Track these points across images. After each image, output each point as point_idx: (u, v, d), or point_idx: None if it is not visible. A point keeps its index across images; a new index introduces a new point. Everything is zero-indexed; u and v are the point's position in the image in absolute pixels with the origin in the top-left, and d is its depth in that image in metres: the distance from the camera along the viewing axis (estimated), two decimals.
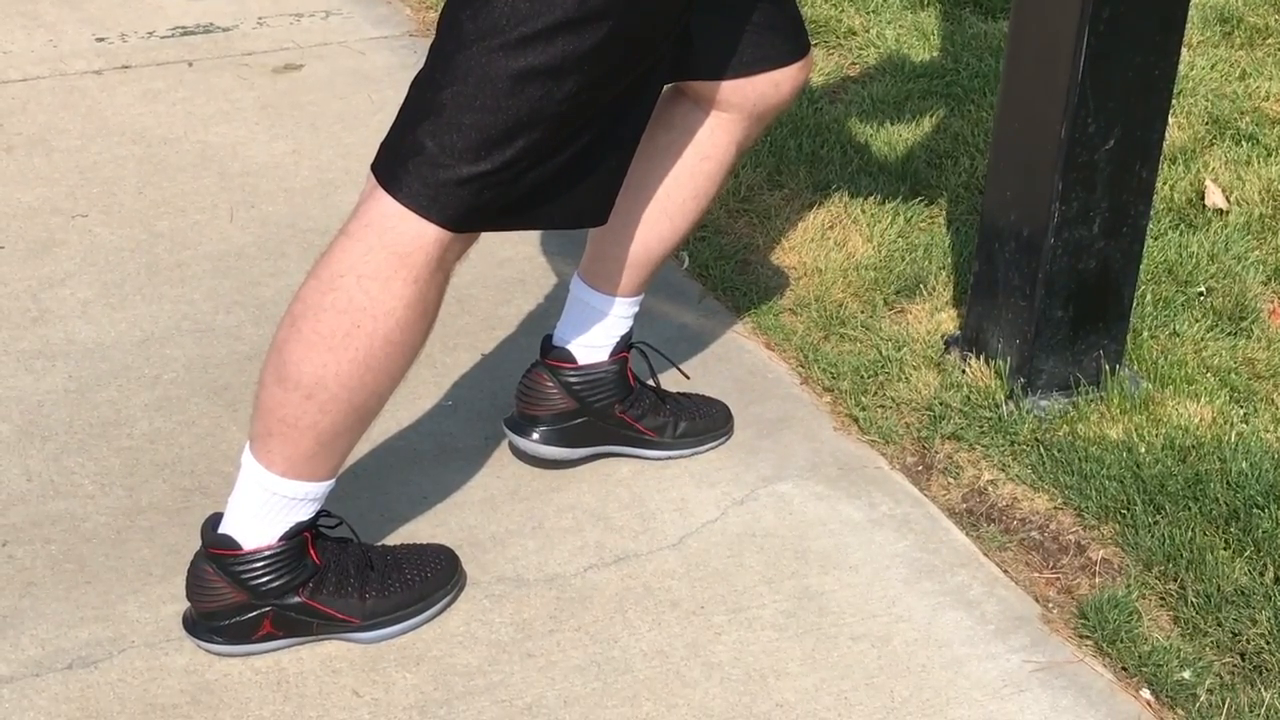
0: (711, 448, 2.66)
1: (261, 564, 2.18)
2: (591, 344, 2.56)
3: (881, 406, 2.77)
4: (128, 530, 2.44)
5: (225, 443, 2.64)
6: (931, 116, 3.72)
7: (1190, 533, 2.44)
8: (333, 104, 3.78)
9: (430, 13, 4.28)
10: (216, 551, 2.18)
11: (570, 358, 2.56)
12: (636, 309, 2.58)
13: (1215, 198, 3.35)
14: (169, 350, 2.86)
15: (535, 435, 2.56)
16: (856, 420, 2.75)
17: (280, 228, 3.26)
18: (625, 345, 2.59)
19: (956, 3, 4.30)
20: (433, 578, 2.31)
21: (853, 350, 2.91)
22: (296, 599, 2.21)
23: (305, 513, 2.18)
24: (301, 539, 2.19)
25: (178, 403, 2.73)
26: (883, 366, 2.85)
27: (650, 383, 2.66)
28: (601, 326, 2.55)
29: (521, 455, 2.61)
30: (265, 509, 2.16)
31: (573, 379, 2.55)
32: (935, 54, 4.03)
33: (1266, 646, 2.26)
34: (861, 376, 2.83)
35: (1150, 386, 2.74)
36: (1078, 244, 2.60)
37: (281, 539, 2.18)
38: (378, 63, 4.00)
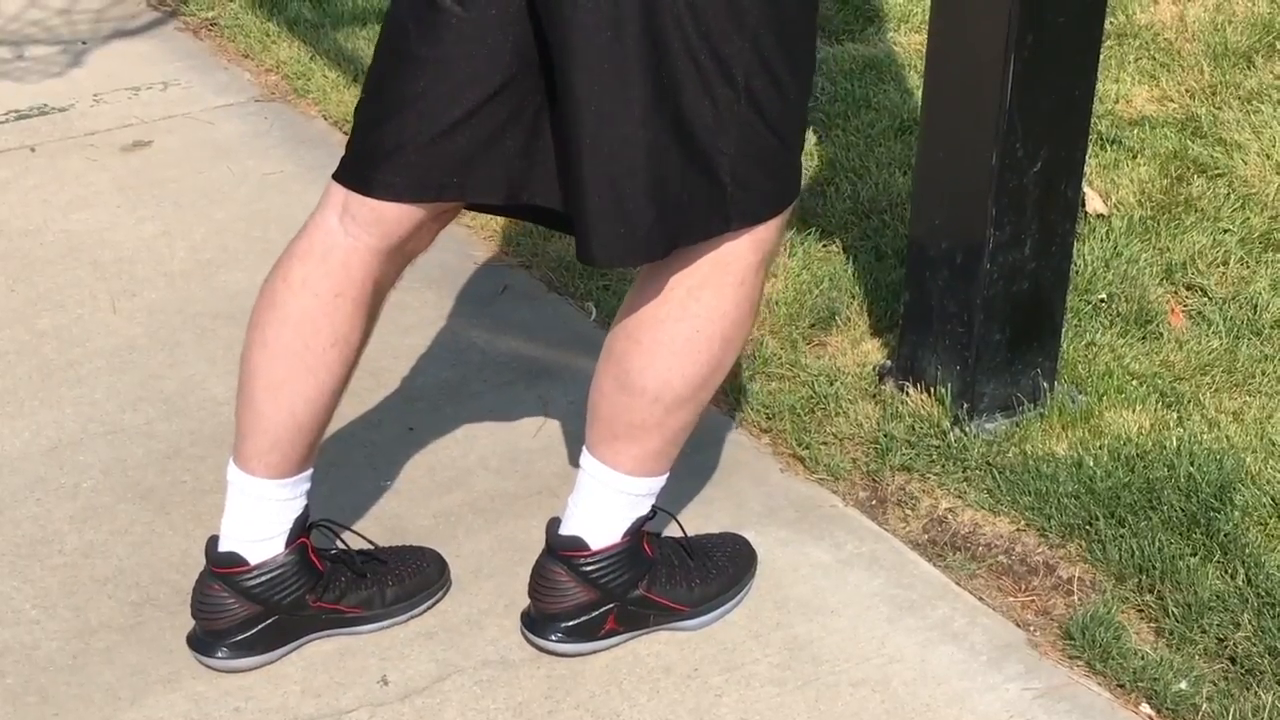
0: (432, 604, 2.39)
1: (611, 561, 2.28)
2: (260, 538, 2.26)
3: (824, 443, 2.76)
4: (84, 654, 2.31)
5: (164, 549, 2.52)
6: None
7: (1157, 543, 2.47)
8: (192, 179, 3.65)
9: (270, 75, 4.17)
10: (567, 553, 2.27)
11: (241, 561, 2.25)
12: (306, 485, 2.28)
13: (1095, 203, 3.43)
14: (82, 456, 2.73)
15: (221, 652, 2.27)
16: (802, 459, 2.74)
17: (168, 315, 3.14)
18: (301, 529, 2.28)
19: None
20: (740, 561, 2.44)
21: (783, 388, 2.89)
22: (638, 593, 2.31)
23: (646, 508, 2.30)
24: (641, 535, 2.31)
25: (104, 511, 2.60)
26: (818, 403, 2.84)
27: (345, 552, 2.38)
28: (267, 516, 2.26)
29: None
30: (613, 508, 2.27)
31: (249, 582, 2.25)
32: None
33: (1254, 649, 2.30)
34: (799, 414, 2.82)
35: (1087, 399, 2.78)
36: (1012, 267, 2.63)
37: (626, 535, 2.29)
38: (229, 132, 3.88)
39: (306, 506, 2.29)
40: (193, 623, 2.31)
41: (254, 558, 2.25)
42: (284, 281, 2.16)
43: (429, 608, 2.40)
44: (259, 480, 2.22)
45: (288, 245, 2.19)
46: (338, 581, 2.33)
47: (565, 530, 2.29)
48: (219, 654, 2.27)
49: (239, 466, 2.24)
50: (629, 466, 2.25)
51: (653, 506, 2.36)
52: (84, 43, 4.35)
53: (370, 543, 2.41)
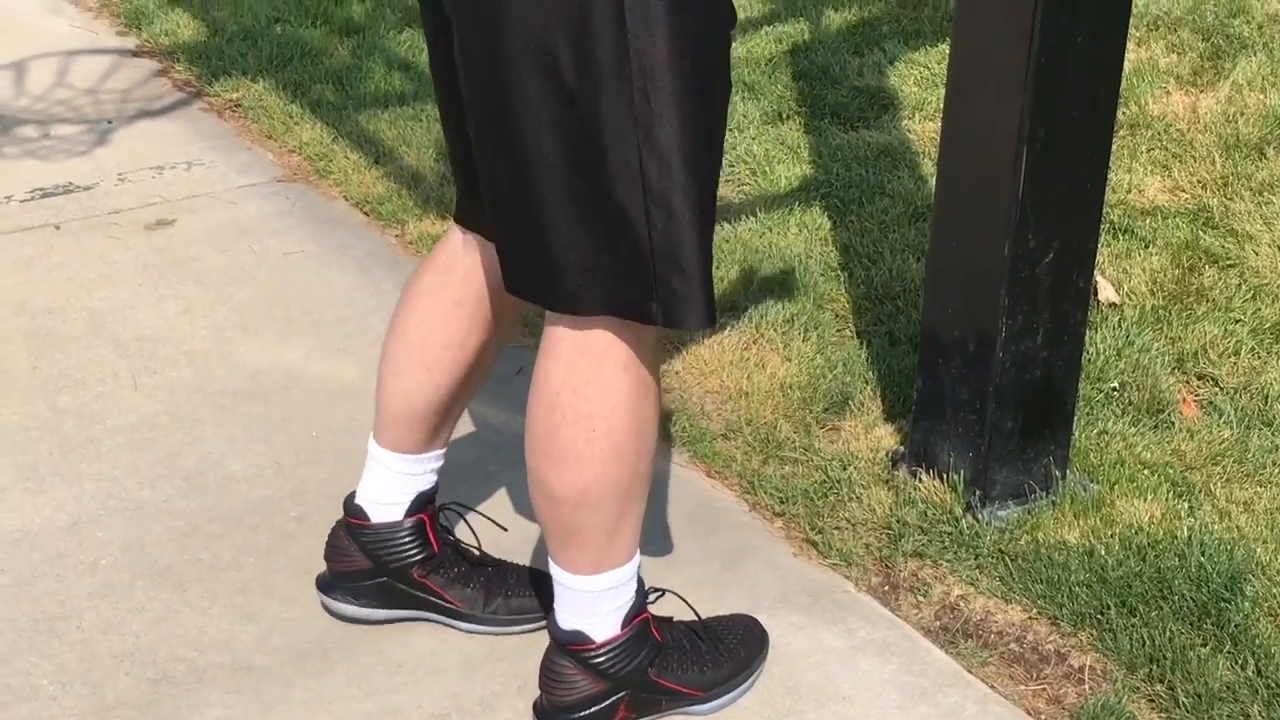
0: (533, 628, 2.51)
1: (617, 652, 2.29)
2: (381, 501, 2.50)
3: (838, 528, 2.78)
4: None
5: (180, 627, 2.54)
6: (817, 229, 3.77)
7: (1167, 632, 2.49)
8: (214, 258, 3.70)
9: (293, 156, 4.22)
10: (574, 648, 2.29)
11: (364, 515, 2.50)
12: (430, 466, 2.50)
13: (1107, 292, 3.45)
14: (101, 533, 2.75)
15: (335, 594, 2.54)
16: (815, 544, 2.76)
17: (189, 392, 3.17)
18: (423, 504, 2.50)
19: (814, 115, 4.39)
20: (751, 644, 2.44)
21: (796, 473, 2.91)
22: (649, 679, 2.32)
23: (630, 593, 2.29)
24: (644, 620, 2.32)
25: (122, 588, 2.62)
26: (831, 488, 2.86)
27: (463, 543, 2.58)
28: (388, 483, 2.49)
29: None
30: (597, 605, 2.27)
31: (365, 537, 2.50)
32: (805, 166, 4.10)
33: None
34: (812, 499, 2.84)
35: (1099, 488, 2.79)
36: (1024, 355, 2.65)
37: (625, 625, 2.29)
38: (251, 212, 3.93)
39: (435, 486, 2.51)
40: (210, 706, 2.36)
41: (374, 517, 2.49)
42: (415, 285, 2.40)
43: (526, 631, 2.49)
44: (381, 449, 2.47)
45: (432, 252, 2.42)
46: (449, 568, 2.51)
47: (565, 625, 2.30)
48: (334, 594, 2.53)
49: (372, 433, 2.48)
50: (588, 568, 2.24)
51: (661, 589, 2.38)
52: (109, 122, 4.42)
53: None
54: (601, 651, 2.28)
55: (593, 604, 2.27)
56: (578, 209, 2.02)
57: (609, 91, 1.93)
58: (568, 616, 2.29)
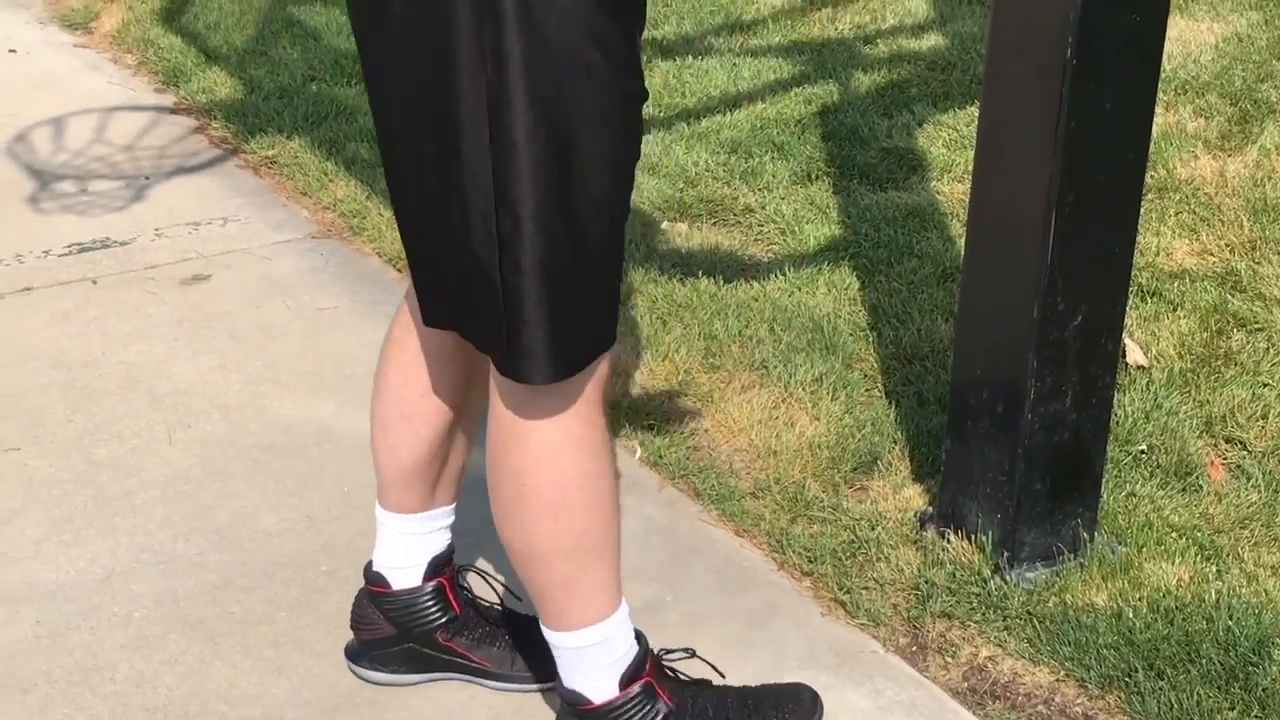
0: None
1: (617, 714, 2.28)
2: (397, 566, 2.50)
3: (866, 588, 2.79)
4: None
5: (212, 680, 2.56)
6: (845, 289, 3.79)
7: (1195, 696, 2.49)
8: (249, 313, 3.74)
9: (327, 213, 4.27)
10: (580, 708, 2.30)
11: (384, 583, 2.51)
12: (437, 525, 2.50)
13: (1135, 355, 3.47)
14: (135, 585, 2.78)
15: (363, 662, 2.55)
16: (843, 604, 2.77)
17: (222, 446, 3.20)
18: (439, 567, 2.51)
19: (843, 175, 4.42)
20: (799, 716, 2.41)
21: (825, 532, 2.93)
22: None
23: (620, 651, 2.27)
24: (645, 683, 2.30)
25: (155, 641, 2.65)
26: (860, 547, 2.87)
27: (482, 601, 2.59)
28: (400, 547, 2.49)
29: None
30: (583, 663, 2.27)
31: (387, 604, 2.51)
32: (834, 227, 4.12)
33: None
34: (840, 559, 2.85)
35: (1127, 550, 2.80)
36: (1053, 418, 2.67)
37: (623, 686, 2.28)
38: (285, 268, 3.97)
39: (449, 546, 2.51)
40: None
41: (395, 584, 2.49)
42: (388, 337, 2.41)
43: (554, 687, 2.45)
44: (385, 512, 2.47)
45: (401, 303, 2.42)
46: (474, 629, 2.50)
47: (566, 684, 2.31)
48: (362, 663, 2.55)
49: (376, 497, 2.48)
50: (559, 623, 2.26)
51: (688, 649, 2.39)
52: (146, 178, 4.47)
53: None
54: (603, 713, 2.28)
55: (577, 661, 2.27)
56: (450, 254, 2.07)
57: (469, 153, 1.98)
58: (563, 674, 2.31)
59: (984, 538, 2.77)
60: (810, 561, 2.86)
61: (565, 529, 2.18)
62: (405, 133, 2.08)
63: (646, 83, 2.08)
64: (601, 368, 2.15)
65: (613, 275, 2.11)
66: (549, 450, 2.14)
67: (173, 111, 4.98)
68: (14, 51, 5.47)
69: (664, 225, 4.12)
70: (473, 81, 1.94)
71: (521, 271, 2.01)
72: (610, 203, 2.07)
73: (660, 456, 3.18)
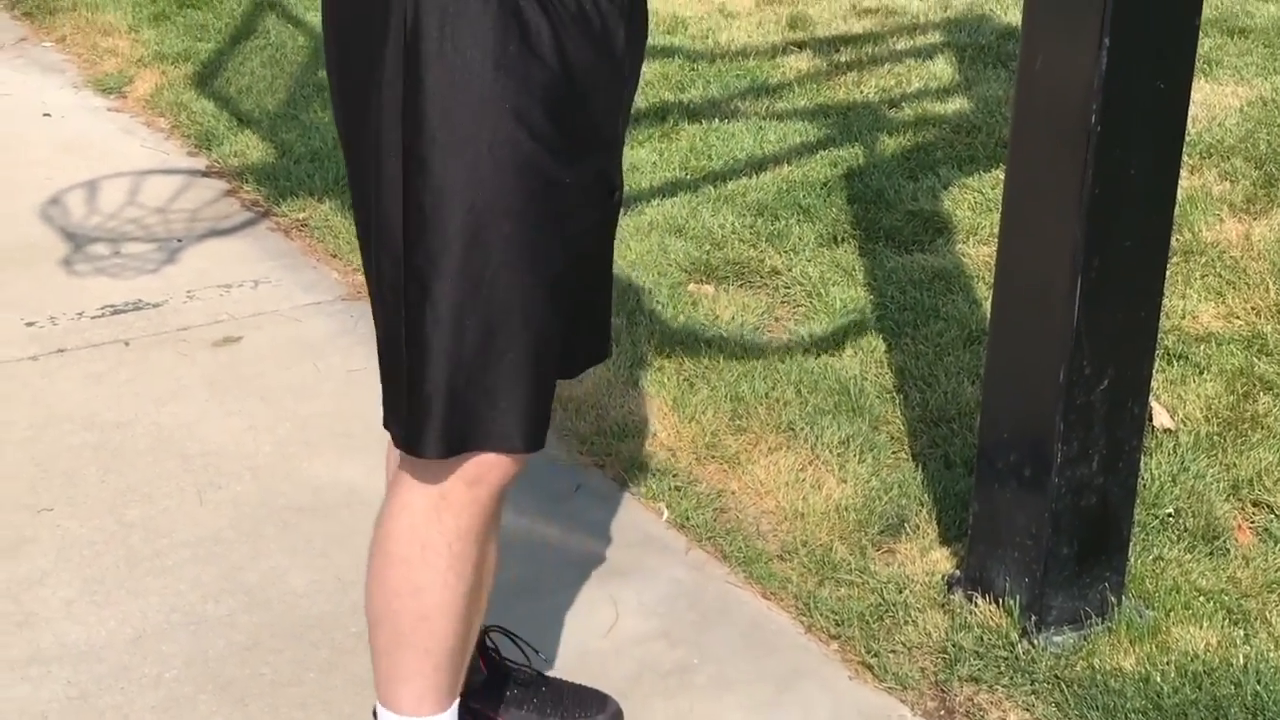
0: None
1: None
2: None
3: (893, 652, 2.79)
4: None
5: None
6: (872, 351, 3.81)
7: None
8: (279, 375, 3.77)
9: (357, 275, 4.30)
10: None
11: None
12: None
13: (1162, 419, 3.47)
14: (165, 646, 2.80)
15: None
16: (870, 668, 2.77)
17: (253, 507, 3.22)
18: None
19: (869, 238, 4.44)
20: None
21: (852, 595, 2.93)
22: None
23: None
24: None
25: (185, 702, 2.66)
26: (887, 610, 2.87)
27: (513, 663, 2.58)
28: None
29: None
30: None
31: None
32: (860, 289, 4.15)
33: None
34: (868, 622, 2.85)
35: (1155, 614, 2.80)
36: (1079, 481, 2.67)
37: None
38: (316, 330, 4.00)
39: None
40: None
41: None
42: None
43: None
44: None
45: None
46: (501, 691, 2.48)
47: None
48: None
49: None
50: (379, 693, 2.26)
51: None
52: (179, 240, 4.52)
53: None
54: None
55: None
56: (381, 323, 2.11)
57: (386, 217, 2.03)
58: None
59: (1011, 601, 2.77)
60: (837, 624, 2.86)
61: (384, 607, 2.18)
62: (352, 189, 2.16)
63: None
64: (500, 474, 2.11)
65: (529, 377, 2.06)
66: (401, 530, 2.15)
67: (205, 175, 5.04)
68: (49, 115, 5.54)
69: (690, 287, 4.15)
70: (390, 145, 1.97)
71: (424, 345, 2.02)
72: (526, 298, 2.02)
73: (687, 518, 3.19)
